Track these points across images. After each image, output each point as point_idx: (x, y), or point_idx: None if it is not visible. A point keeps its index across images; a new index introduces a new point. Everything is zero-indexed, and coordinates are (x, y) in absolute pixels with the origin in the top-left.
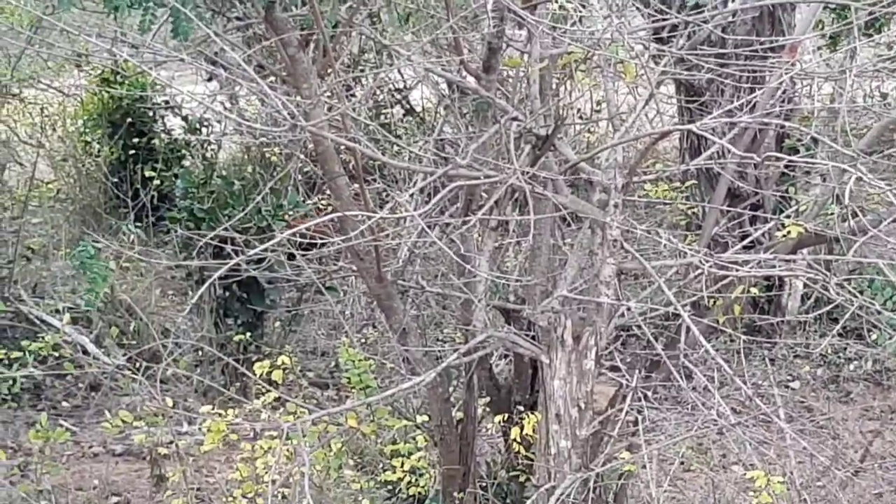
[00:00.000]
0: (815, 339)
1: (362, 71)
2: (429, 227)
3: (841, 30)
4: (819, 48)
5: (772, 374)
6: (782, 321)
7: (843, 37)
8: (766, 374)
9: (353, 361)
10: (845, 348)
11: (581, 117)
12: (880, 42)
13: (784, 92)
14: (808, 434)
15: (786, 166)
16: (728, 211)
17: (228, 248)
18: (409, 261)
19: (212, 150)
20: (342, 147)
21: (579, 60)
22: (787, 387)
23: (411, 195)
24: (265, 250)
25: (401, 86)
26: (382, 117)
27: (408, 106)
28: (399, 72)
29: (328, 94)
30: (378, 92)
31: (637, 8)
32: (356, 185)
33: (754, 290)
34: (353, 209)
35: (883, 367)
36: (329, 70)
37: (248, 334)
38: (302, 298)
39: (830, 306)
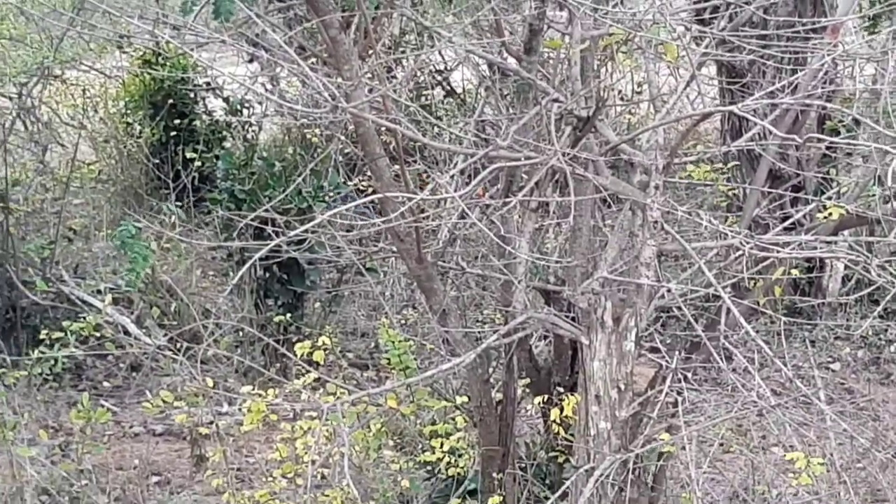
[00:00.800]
0: (855, 320)
1: (403, 52)
2: (469, 208)
3: (883, 11)
4: (858, 28)
5: (812, 356)
6: (823, 303)
7: (884, 18)
8: (806, 355)
9: (393, 342)
10: (886, 330)
11: (622, 99)
12: None
13: (826, 73)
14: (848, 416)
15: (827, 148)
16: (769, 192)
17: (269, 229)
18: (449, 242)
19: (252, 131)
20: (383, 128)
21: (620, 42)
22: (827, 368)
23: (451, 176)
24: (306, 231)
25: (441, 67)
26: (423, 99)
27: (448, 87)
28: (440, 53)
29: (369, 75)
30: (419, 73)
31: None
32: (397, 167)
33: (795, 272)
34: (393, 190)
35: None
36: (370, 52)
37: (289, 315)
38: (342, 279)
39: (871, 288)
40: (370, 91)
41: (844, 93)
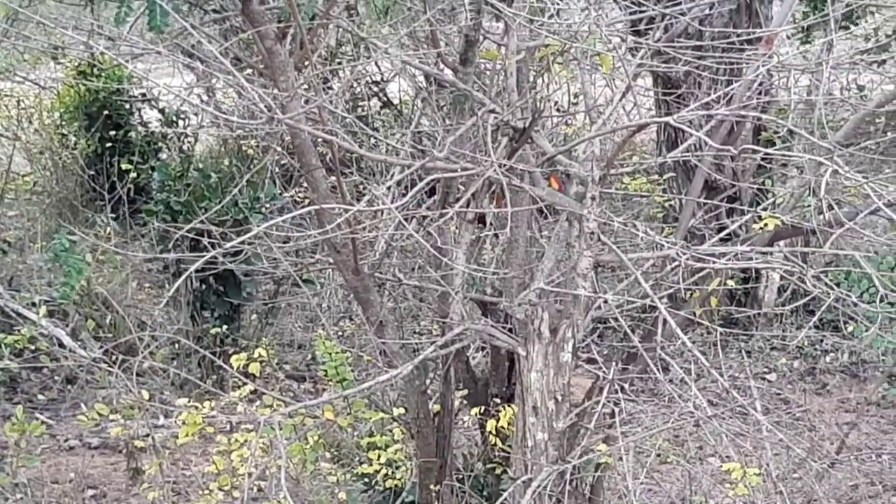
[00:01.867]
0: (791, 331)
1: (339, 63)
2: (406, 219)
3: (816, 22)
4: (790, 38)
5: (748, 367)
6: (759, 314)
7: (817, 29)
8: (742, 366)
9: (330, 354)
10: (822, 340)
11: (559, 110)
12: (857, 34)
13: (761, 84)
14: (784, 426)
15: (763, 158)
16: (705, 203)
17: (205, 241)
18: (386, 253)
19: (188, 142)
20: (319, 140)
21: (556, 53)
22: (763, 379)
23: (388, 188)
24: (241, 243)
25: (378, 78)
26: (360, 110)
27: (385, 98)
28: (377, 64)
29: (305, 86)
30: (355, 84)
31: (615, 0)
32: (334, 178)
33: (731, 283)
34: (329, 202)
35: (859, 359)
36: (306, 63)
37: (225, 327)
38: (279, 291)
39: (807, 298)
40: (306, 102)
41: (779, 104)
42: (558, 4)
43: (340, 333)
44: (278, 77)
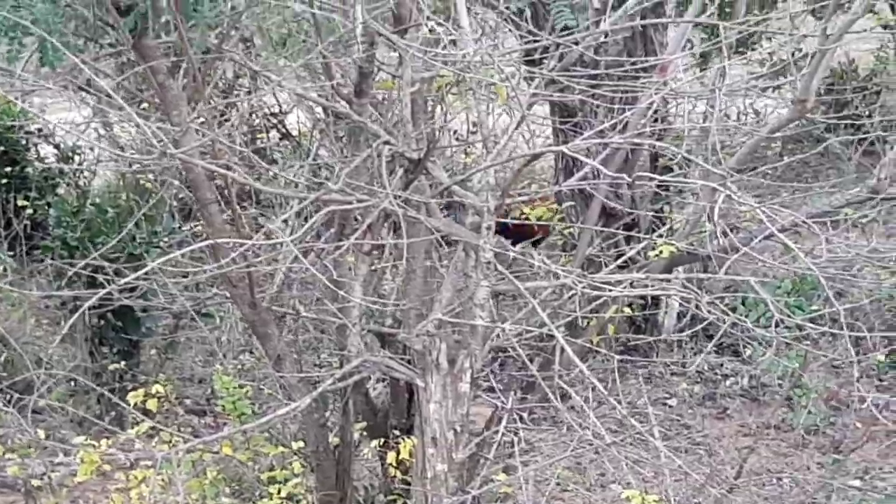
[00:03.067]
0: (691, 356)
1: (237, 96)
2: (305, 252)
3: (710, 49)
4: (688, 67)
5: (645, 393)
6: (658, 339)
7: (713, 55)
8: (639, 393)
9: (227, 389)
10: (721, 365)
11: (458, 139)
12: (753, 59)
13: (657, 111)
14: (685, 451)
15: (660, 185)
16: (602, 231)
17: (101, 277)
18: (283, 286)
19: (84, 178)
20: (216, 174)
21: (451, 83)
22: (664, 404)
23: (283, 221)
24: (137, 278)
25: (277, 110)
26: (259, 142)
27: (284, 130)
28: (275, 96)
29: (201, 120)
30: (254, 116)
31: (510, 30)
32: (239, 210)
33: (628, 310)
34: (225, 235)
35: (759, 383)
36: (198, 96)
37: (124, 363)
38: (178, 326)
39: (705, 324)
40: (204, 136)
41: (676, 131)
42: (453, 35)
43: (240, 367)
44: (171, 111)
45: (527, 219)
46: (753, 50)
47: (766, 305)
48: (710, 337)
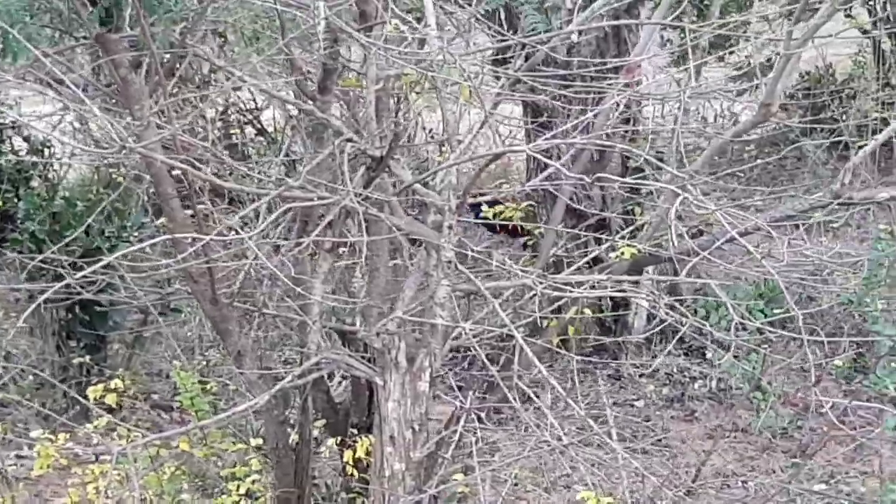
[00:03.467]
0: (660, 357)
1: (210, 90)
2: (276, 248)
3: (684, 50)
4: (663, 68)
5: (612, 395)
6: (624, 340)
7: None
8: (600, 394)
9: (185, 385)
10: (690, 367)
11: (432, 137)
12: (728, 63)
13: (628, 112)
14: (648, 453)
15: (631, 187)
16: (570, 231)
17: (65, 271)
18: (252, 283)
19: (54, 171)
20: (179, 168)
21: (416, 82)
22: (631, 406)
23: (240, 217)
24: (104, 273)
25: (252, 106)
26: (234, 137)
27: (259, 126)
28: (250, 91)
29: (175, 114)
30: (230, 112)
31: (481, 30)
32: (203, 206)
33: (588, 311)
34: (187, 231)
35: (727, 386)
36: (160, 90)
37: (90, 357)
38: (147, 320)
39: (669, 325)
40: (166, 130)
41: (646, 132)
42: (420, 33)
43: (206, 362)
44: (133, 106)
45: (495, 217)
46: (731, 53)
47: (727, 308)
48: (682, 339)
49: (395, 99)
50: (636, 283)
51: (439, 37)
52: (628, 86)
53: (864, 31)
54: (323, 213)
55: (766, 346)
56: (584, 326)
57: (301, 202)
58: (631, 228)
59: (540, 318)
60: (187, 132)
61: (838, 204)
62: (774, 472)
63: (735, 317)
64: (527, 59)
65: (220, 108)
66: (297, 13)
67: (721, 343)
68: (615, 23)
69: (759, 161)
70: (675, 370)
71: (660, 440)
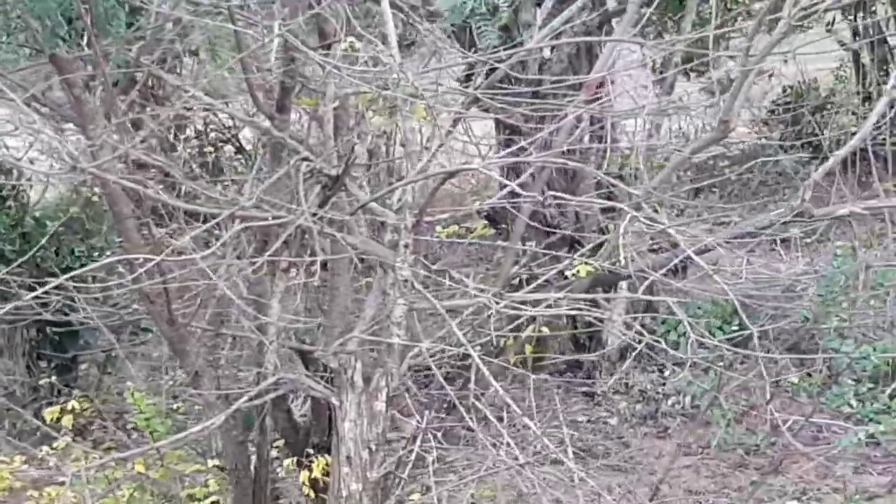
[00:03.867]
0: (634, 375)
1: (190, 109)
2: (239, 270)
3: (659, 66)
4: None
5: (561, 413)
6: (601, 358)
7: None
8: (584, 411)
9: (139, 406)
10: (664, 384)
11: (387, 155)
12: (707, 78)
13: (596, 128)
14: (625, 471)
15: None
16: (532, 250)
17: (39, 290)
18: (203, 303)
19: (23, 192)
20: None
21: (373, 100)
22: (605, 423)
23: (191, 238)
24: (46, 293)
25: (230, 124)
26: (210, 155)
27: (238, 144)
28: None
29: (122, 133)
30: (208, 130)
31: (446, 49)
32: (175, 225)
33: (546, 329)
34: (142, 251)
35: (701, 402)
36: (112, 109)
37: (61, 377)
38: (119, 340)
39: (640, 342)
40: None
41: (621, 149)
42: (378, 52)
43: (172, 382)
44: (87, 125)
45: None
46: (704, 72)
47: (705, 326)
48: (650, 357)
49: (354, 117)
50: (607, 300)
51: (402, 55)
52: (593, 101)
53: (842, 44)
54: (279, 232)
55: (722, 363)
56: (558, 343)
57: (256, 221)
58: (591, 246)
59: (500, 336)
60: (151, 151)
61: (796, 220)
62: (742, 489)
63: (691, 335)
64: (487, 76)
65: (199, 127)
66: (251, 32)
67: (676, 361)
68: (573, 40)
69: (732, 176)
70: (648, 387)
71: (631, 457)
